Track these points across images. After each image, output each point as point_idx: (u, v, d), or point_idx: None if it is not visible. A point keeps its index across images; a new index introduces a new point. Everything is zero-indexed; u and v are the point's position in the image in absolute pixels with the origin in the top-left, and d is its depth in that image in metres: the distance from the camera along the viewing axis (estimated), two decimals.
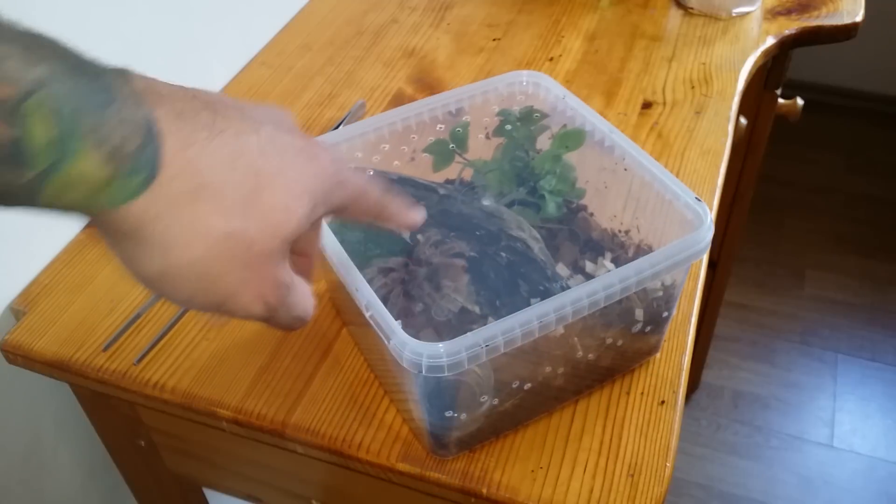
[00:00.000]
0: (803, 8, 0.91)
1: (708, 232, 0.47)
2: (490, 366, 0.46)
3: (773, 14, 0.91)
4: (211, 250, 0.31)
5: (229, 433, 0.55)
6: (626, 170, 0.54)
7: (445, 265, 0.50)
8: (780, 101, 1.08)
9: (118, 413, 0.64)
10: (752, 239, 1.94)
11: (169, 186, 0.29)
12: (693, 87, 0.80)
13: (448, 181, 0.58)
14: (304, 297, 0.36)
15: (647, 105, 0.78)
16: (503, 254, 0.51)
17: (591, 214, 0.58)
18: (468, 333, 0.41)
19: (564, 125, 0.57)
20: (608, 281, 0.44)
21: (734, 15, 0.90)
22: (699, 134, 0.74)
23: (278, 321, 0.36)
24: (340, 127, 0.68)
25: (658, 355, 0.56)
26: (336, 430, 0.52)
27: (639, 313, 0.51)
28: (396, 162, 0.58)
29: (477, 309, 0.49)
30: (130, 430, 0.66)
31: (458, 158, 0.58)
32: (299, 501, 0.64)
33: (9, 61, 0.26)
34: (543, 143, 0.58)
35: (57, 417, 0.70)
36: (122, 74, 0.30)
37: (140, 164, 0.29)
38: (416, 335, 0.42)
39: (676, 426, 0.52)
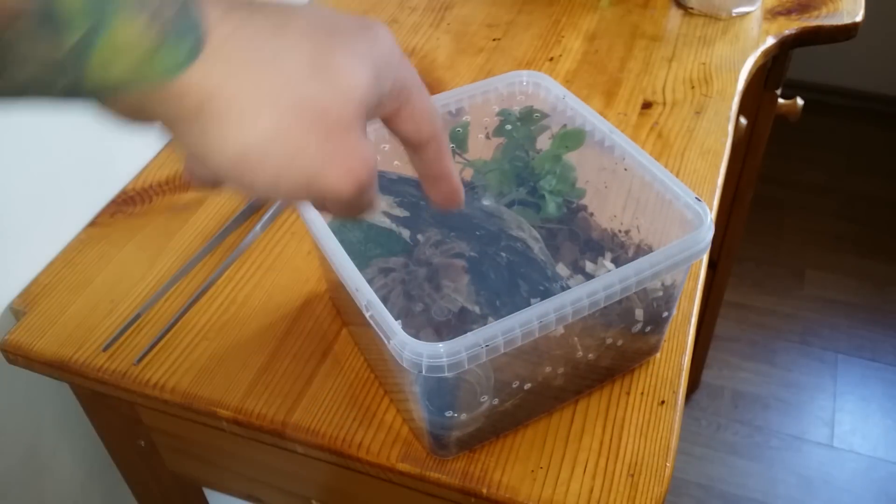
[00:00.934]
0: (803, 8, 0.91)
1: (708, 232, 0.47)
2: (490, 366, 0.46)
3: (773, 14, 0.91)
4: (283, 119, 0.29)
5: (229, 433, 0.55)
6: (626, 170, 0.54)
7: (445, 265, 0.50)
8: (780, 101, 1.08)
9: (118, 413, 0.64)
10: (752, 239, 1.94)
11: (221, 52, 0.27)
12: (693, 87, 0.80)
13: None
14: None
15: (647, 105, 0.78)
16: (503, 254, 0.51)
17: (591, 214, 0.58)
18: (468, 333, 0.41)
19: (564, 125, 0.57)
20: (608, 281, 0.44)
21: (734, 15, 0.90)
22: (699, 134, 0.74)
23: (364, 203, 0.33)
24: None
25: (658, 355, 0.56)
26: (336, 430, 0.52)
27: (639, 313, 0.51)
28: (396, 162, 0.58)
29: (477, 309, 0.49)
30: (130, 430, 0.66)
31: (458, 158, 0.58)
32: (299, 501, 0.64)
33: None
34: (543, 143, 0.58)
35: (57, 417, 0.70)
36: None
37: (184, 28, 0.26)
38: (416, 335, 0.42)
39: (676, 426, 0.52)
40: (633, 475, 0.49)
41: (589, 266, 0.54)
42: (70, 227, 0.67)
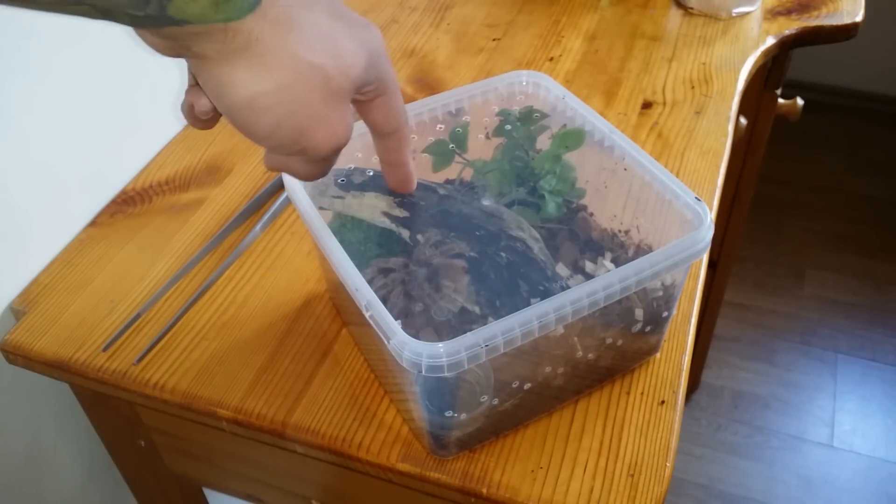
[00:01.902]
0: (803, 8, 0.91)
1: (708, 232, 0.47)
2: (490, 366, 0.46)
3: (773, 14, 0.91)
4: (298, 78, 0.35)
5: (229, 433, 0.55)
6: (626, 170, 0.54)
7: (445, 265, 0.50)
8: (780, 101, 1.08)
9: (118, 413, 0.64)
10: (752, 239, 1.94)
11: (272, 10, 0.33)
12: (693, 87, 0.80)
13: (448, 181, 0.58)
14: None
15: (647, 105, 0.78)
16: (503, 254, 0.51)
17: (591, 214, 0.58)
18: (468, 333, 0.41)
19: (564, 125, 0.57)
20: (608, 281, 0.44)
21: (734, 15, 0.90)
22: (699, 134, 0.74)
23: (329, 165, 0.40)
24: None
25: (658, 355, 0.56)
26: (336, 430, 0.52)
27: (639, 313, 0.51)
28: None
29: (477, 309, 0.49)
30: (130, 430, 0.66)
31: (458, 158, 0.58)
32: (299, 501, 0.64)
33: None
34: (543, 143, 0.58)
35: (57, 417, 0.70)
36: None
37: None
38: (415, 335, 0.42)
39: (676, 426, 0.52)
40: (633, 475, 0.49)
41: (589, 266, 0.54)
42: (70, 227, 0.67)
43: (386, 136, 0.44)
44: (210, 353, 0.57)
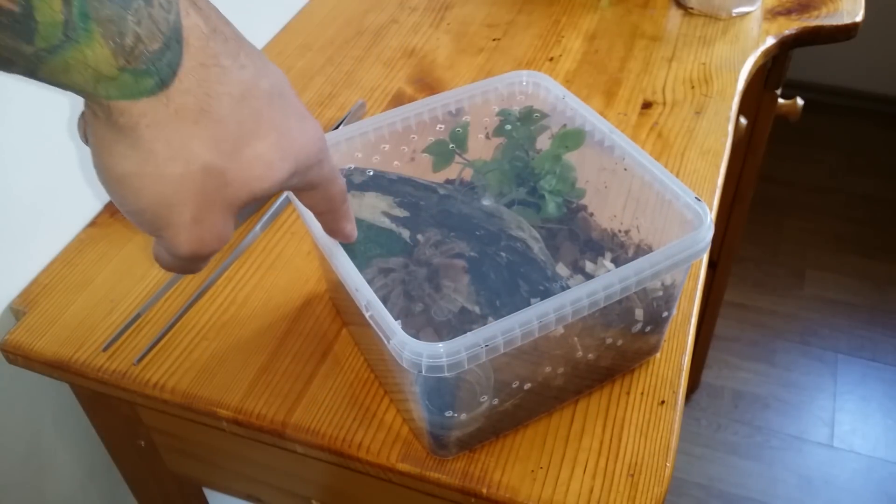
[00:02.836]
0: (803, 8, 0.91)
1: (708, 232, 0.47)
2: (490, 366, 0.46)
3: (773, 14, 0.91)
4: (185, 176, 0.30)
5: (229, 433, 0.55)
6: (626, 170, 0.54)
7: (445, 265, 0.50)
8: (780, 101, 1.08)
9: (118, 413, 0.64)
10: (752, 239, 1.94)
11: (177, 100, 0.29)
12: (693, 87, 0.80)
13: (448, 181, 0.58)
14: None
15: (647, 105, 0.78)
16: (503, 254, 0.51)
17: (591, 214, 0.58)
18: (468, 333, 0.41)
19: (564, 125, 0.57)
20: (608, 281, 0.44)
21: (734, 15, 0.90)
22: (699, 134, 0.74)
23: (189, 269, 0.36)
24: (340, 127, 0.68)
25: (658, 355, 0.56)
26: (336, 430, 0.52)
27: (639, 313, 0.51)
28: (396, 162, 0.58)
29: (477, 309, 0.49)
30: (130, 430, 0.66)
31: (458, 158, 0.58)
32: (299, 501, 0.64)
33: None
34: (543, 143, 0.58)
35: (57, 417, 0.70)
36: None
37: (155, 68, 0.28)
38: (416, 335, 0.42)
39: (676, 426, 0.52)
40: (633, 475, 0.49)
41: (589, 266, 0.54)
42: (70, 227, 0.67)
43: (318, 215, 0.42)
44: (210, 353, 0.57)
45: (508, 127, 0.58)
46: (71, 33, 0.26)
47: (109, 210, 0.70)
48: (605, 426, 0.52)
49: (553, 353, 0.49)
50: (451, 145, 0.58)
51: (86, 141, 0.33)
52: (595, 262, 0.55)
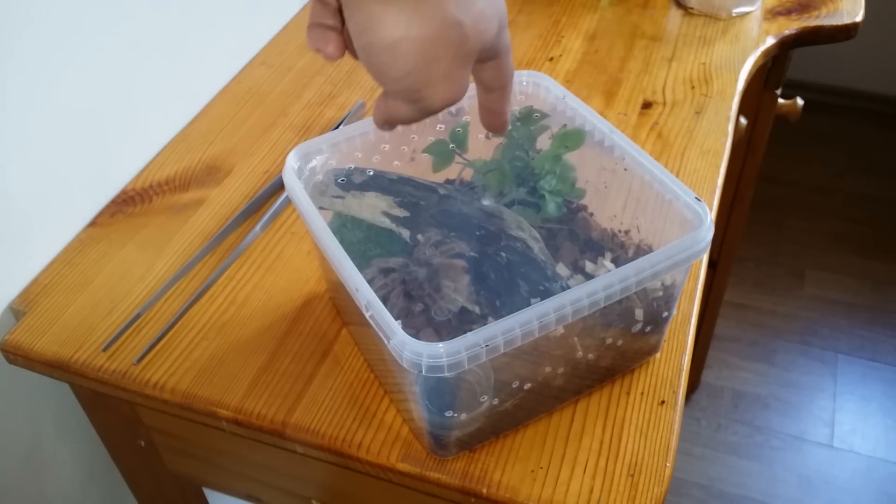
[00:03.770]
0: (803, 8, 0.91)
1: (708, 232, 0.47)
2: (490, 366, 0.46)
3: (773, 14, 0.91)
4: (441, 33, 0.36)
5: (229, 433, 0.55)
6: (626, 170, 0.54)
7: (445, 265, 0.50)
8: (780, 101, 1.08)
9: (118, 413, 0.64)
10: (752, 239, 1.94)
11: None
12: (693, 87, 0.80)
13: (448, 181, 0.58)
14: None
15: (647, 105, 0.78)
16: (503, 254, 0.51)
17: (591, 214, 0.58)
18: (468, 333, 0.41)
19: (564, 125, 0.57)
20: (608, 281, 0.44)
21: (734, 15, 0.90)
22: (699, 134, 0.74)
23: (417, 120, 0.41)
24: (340, 127, 0.68)
25: (658, 355, 0.56)
26: (336, 430, 0.52)
27: (639, 313, 0.51)
28: (396, 162, 0.58)
29: (477, 309, 0.49)
30: (130, 430, 0.66)
31: (458, 158, 0.58)
32: (299, 501, 0.64)
33: None
34: (543, 143, 0.58)
35: (57, 417, 0.70)
36: None
37: None
38: (416, 335, 0.42)
39: (676, 426, 0.52)
40: (633, 475, 0.49)
41: (589, 266, 0.54)
42: (70, 227, 0.67)
43: (490, 91, 0.45)
44: (210, 353, 0.57)
45: (508, 127, 0.58)
46: None
47: (109, 210, 0.70)
48: (605, 426, 0.52)
49: (553, 353, 0.49)
50: (451, 145, 0.58)
51: (316, 49, 0.41)
52: (595, 262, 0.55)
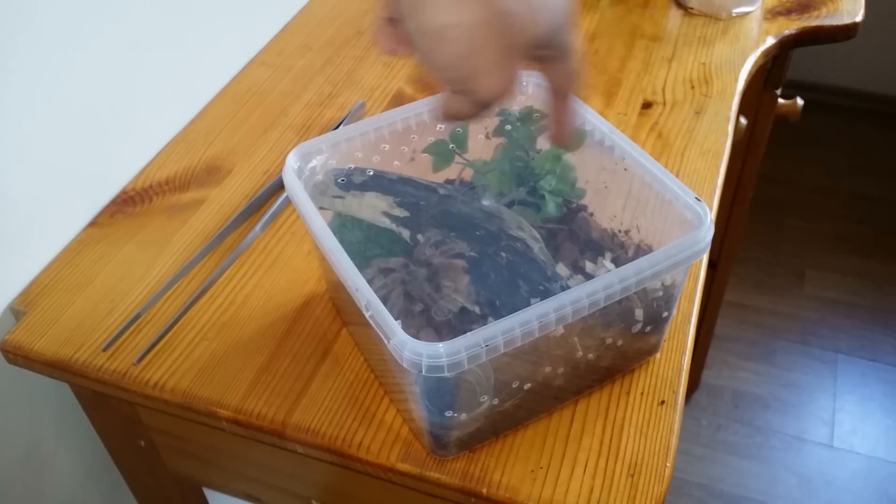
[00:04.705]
0: (803, 8, 0.91)
1: (708, 232, 0.47)
2: (490, 366, 0.46)
3: (773, 14, 0.91)
4: (491, 21, 0.35)
5: (229, 433, 0.55)
6: (626, 170, 0.54)
7: (445, 265, 0.50)
8: (780, 101, 1.08)
9: (118, 413, 0.64)
10: (752, 239, 1.94)
11: None
12: (693, 87, 0.80)
13: (448, 181, 0.58)
14: None
15: (647, 105, 0.78)
16: (503, 254, 0.51)
17: (591, 214, 0.58)
18: (468, 333, 0.41)
19: None
20: (608, 281, 0.44)
21: (734, 15, 0.90)
22: (699, 134, 0.74)
23: (487, 111, 0.40)
24: (340, 127, 0.68)
25: (658, 355, 0.56)
26: (336, 430, 0.52)
27: (639, 313, 0.51)
28: (396, 162, 0.58)
29: (477, 309, 0.49)
30: (130, 430, 0.66)
31: (458, 158, 0.58)
32: (299, 501, 0.64)
33: None
34: (543, 143, 0.58)
35: (57, 417, 0.70)
36: None
37: None
38: (416, 335, 0.42)
39: (676, 426, 0.52)
40: (633, 475, 0.49)
41: (589, 266, 0.54)
42: (70, 227, 0.67)
43: (556, 96, 0.45)
44: (210, 353, 0.57)
45: (508, 127, 0.58)
46: None
47: (109, 210, 0.70)
48: (605, 426, 0.52)
49: (553, 353, 0.49)
50: (451, 145, 0.58)
51: (384, 48, 0.41)
52: (595, 263, 0.55)
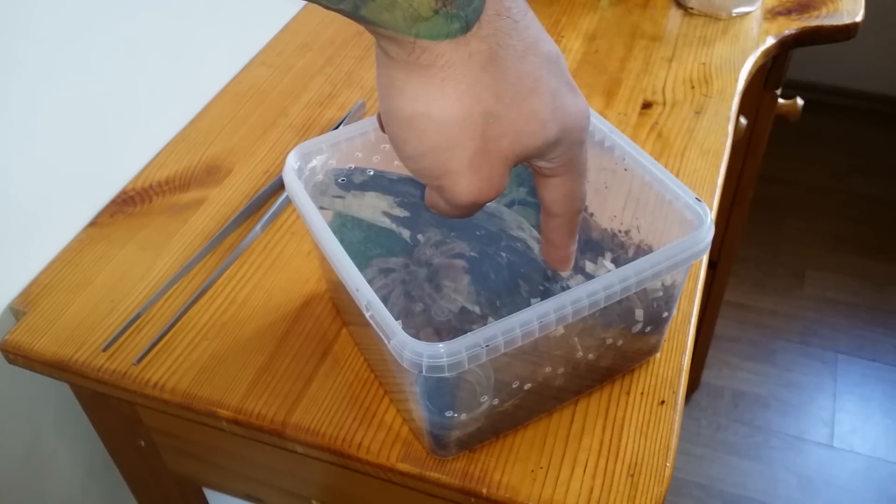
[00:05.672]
0: (803, 8, 0.91)
1: (708, 232, 0.47)
2: (490, 366, 0.46)
3: (773, 14, 0.91)
4: (467, 119, 0.32)
5: (229, 433, 0.55)
6: (626, 170, 0.54)
7: (446, 265, 0.50)
8: (780, 101, 1.08)
9: (118, 413, 0.64)
10: (752, 239, 1.94)
11: (473, 45, 0.31)
12: (693, 87, 0.80)
13: None
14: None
15: (647, 105, 0.78)
16: (503, 254, 0.51)
17: (591, 214, 0.58)
18: (468, 333, 0.41)
19: None
20: (608, 281, 0.44)
21: (734, 15, 0.90)
22: (699, 134, 0.74)
23: (466, 215, 0.37)
24: (340, 127, 0.68)
25: (658, 355, 0.56)
26: (336, 430, 0.52)
27: (639, 313, 0.51)
28: (397, 162, 0.58)
29: (477, 309, 0.49)
30: (130, 430, 0.66)
31: None
32: (299, 501, 0.64)
33: None
34: None
35: (57, 417, 0.70)
36: None
37: (464, 13, 0.30)
38: (416, 335, 0.42)
39: (676, 426, 0.52)
40: (633, 475, 0.49)
41: (589, 266, 0.54)
42: (70, 227, 0.67)
43: (550, 217, 0.41)
44: (210, 353, 0.57)
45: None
46: None
47: (109, 210, 0.70)
48: (605, 426, 0.52)
49: (553, 354, 0.49)
50: None
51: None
52: (595, 263, 0.55)
